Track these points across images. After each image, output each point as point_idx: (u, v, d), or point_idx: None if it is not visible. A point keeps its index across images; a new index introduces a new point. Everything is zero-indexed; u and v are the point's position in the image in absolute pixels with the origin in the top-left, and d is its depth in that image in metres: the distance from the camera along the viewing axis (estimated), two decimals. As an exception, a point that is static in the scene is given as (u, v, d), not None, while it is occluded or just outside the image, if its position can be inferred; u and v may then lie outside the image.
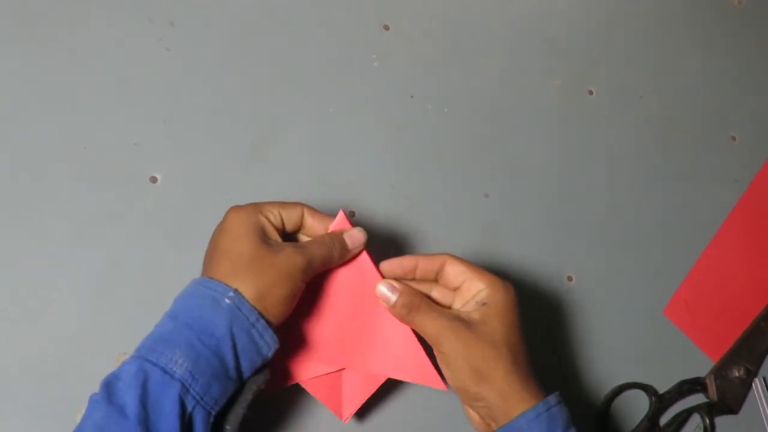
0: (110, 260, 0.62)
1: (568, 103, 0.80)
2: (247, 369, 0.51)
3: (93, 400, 0.47)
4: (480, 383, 0.54)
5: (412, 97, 0.74)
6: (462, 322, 0.55)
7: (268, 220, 0.54)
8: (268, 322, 0.51)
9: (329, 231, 0.56)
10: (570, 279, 0.75)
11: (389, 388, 0.65)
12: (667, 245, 0.79)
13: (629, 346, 0.75)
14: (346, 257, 0.57)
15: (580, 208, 0.77)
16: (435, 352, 0.56)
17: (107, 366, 0.59)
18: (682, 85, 0.85)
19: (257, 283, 0.51)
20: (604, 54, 0.83)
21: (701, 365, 0.77)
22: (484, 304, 0.56)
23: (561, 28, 0.82)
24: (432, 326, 0.55)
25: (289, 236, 0.57)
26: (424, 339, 0.56)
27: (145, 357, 0.48)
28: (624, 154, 0.80)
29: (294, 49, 0.72)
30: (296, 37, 0.72)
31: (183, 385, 0.47)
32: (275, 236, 0.54)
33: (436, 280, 0.59)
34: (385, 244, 0.70)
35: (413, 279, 0.59)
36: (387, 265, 0.58)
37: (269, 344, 0.51)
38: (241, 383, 0.51)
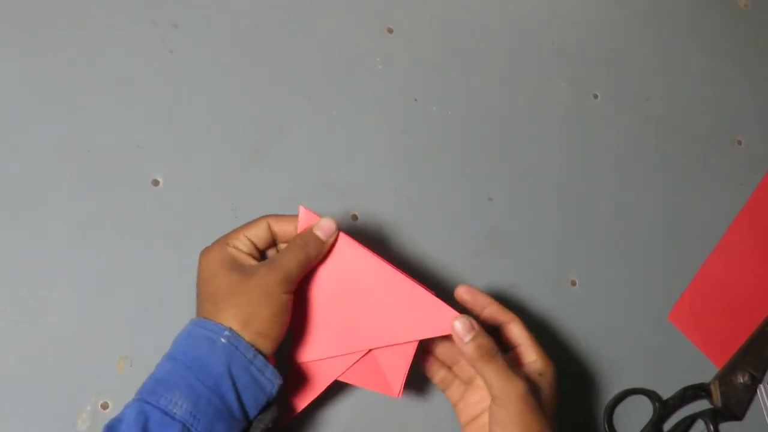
0: (111, 261, 0.62)
1: (573, 106, 0.79)
2: (251, 408, 0.51)
3: None
4: None
5: (415, 100, 0.74)
6: (531, 386, 0.56)
7: (237, 248, 0.55)
8: (263, 352, 0.51)
9: (298, 231, 0.56)
10: (574, 283, 0.74)
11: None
12: (671, 249, 0.79)
13: (633, 351, 0.75)
14: (325, 250, 0.56)
15: (585, 211, 0.77)
16: (492, 408, 0.55)
17: (107, 367, 0.60)
18: (688, 88, 0.85)
19: (238, 312, 0.51)
20: (609, 56, 0.83)
21: (706, 371, 0.76)
22: (540, 374, 0.58)
23: (566, 31, 0.82)
24: (501, 382, 0.54)
25: (264, 254, 0.58)
26: (487, 389, 0.56)
27: (145, 399, 0.49)
28: (629, 157, 0.80)
29: (297, 52, 0.72)
30: (299, 39, 0.72)
31: (184, 425, 0.47)
32: (249, 261, 0.54)
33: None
34: (387, 248, 0.69)
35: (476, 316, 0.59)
36: (463, 289, 0.59)
37: (271, 380, 0.51)
38: (248, 423, 0.51)
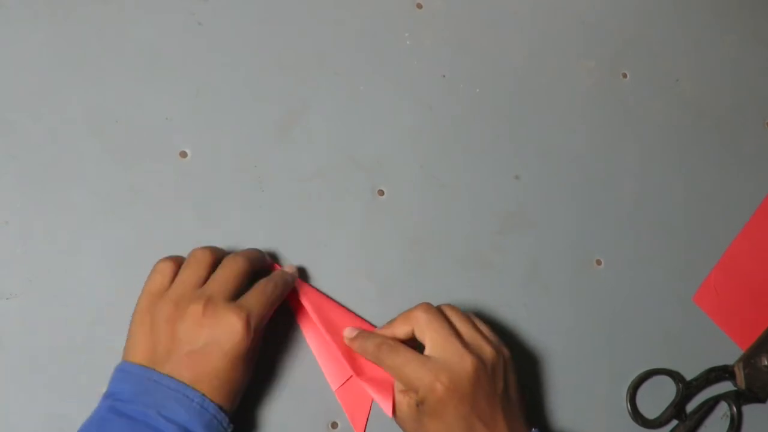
0: (137, 232, 0.62)
1: (601, 85, 0.79)
2: None
3: None
4: None
5: (443, 76, 0.74)
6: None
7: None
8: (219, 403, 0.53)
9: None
10: (599, 263, 0.74)
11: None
12: (697, 231, 0.78)
13: (657, 331, 0.74)
14: (289, 287, 0.60)
15: (611, 191, 0.76)
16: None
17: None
18: (718, 69, 0.84)
19: (191, 362, 0.53)
20: (639, 35, 0.82)
21: (730, 353, 0.76)
22: (419, 404, 0.56)
23: (596, 9, 0.81)
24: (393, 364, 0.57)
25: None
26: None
27: None
28: (656, 137, 0.79)
29: (325, 27, 0.71)
30: (328, 14, 0.72)
31: None
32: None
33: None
34: (413, 225, 0.69)
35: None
36: (349, 336, 0.61)
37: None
38: None
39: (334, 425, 0.63)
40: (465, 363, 0.55)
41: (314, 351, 0.61)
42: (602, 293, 0.74)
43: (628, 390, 0.72)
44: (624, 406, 0.72)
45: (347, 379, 0.58)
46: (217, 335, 0.52)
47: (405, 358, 0.56)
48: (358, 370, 0.59)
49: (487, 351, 0.57)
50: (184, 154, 0.65)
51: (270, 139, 0.67)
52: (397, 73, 0.72)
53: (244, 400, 0.58)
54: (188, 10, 0.68)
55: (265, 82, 0.68)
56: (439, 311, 0.59)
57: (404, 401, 0.57)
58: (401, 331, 0.58)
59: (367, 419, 0.59)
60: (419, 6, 0.74)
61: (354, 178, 0.69)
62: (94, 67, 0.64)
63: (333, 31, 0.71)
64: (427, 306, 0.58)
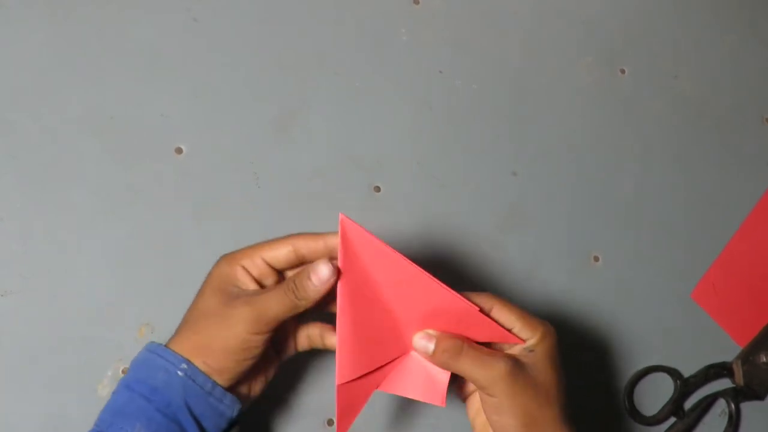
0: (134, 229, 0.63)
1: (600, 81, 0.79)
2: (213, 431, 0.51)
3: None
4: (530, 427, 0.51)
5: (440, 72, 0.74)
6: (514, 364, 0.51)
7: (245, 269, 0.52)
8: (213, 378, 0.50)
9: (339, 247, 0.50)
10: (597, 259, 0.74)
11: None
12: (696, 227, 0.78)
13: (655, 328, 0.74)
14: (316, 297, 0.50)
15: (609, 187, 0.76)
16: (482, 397, 0.52)
17: (129, 333, 0.61)
18: (717, 66, 0.83)
19: (194, 339, 0.50)
20: (637, 32, 0.81)
21: (728, 350, 0.76)
22: (531, 351, 0.53)
23: (594, 5, 0.81)
24: (480, 371, 0.51)
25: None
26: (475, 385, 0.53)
27: None
28: (654, 134, 0.79)
29: (322, 23, 0.71)
30: (325, 10, 0.72)
31: None
32: (247, 285, 0.52)
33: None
34: (411, 223, 0.70)
35: None
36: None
37: (231, 407, 0.51)
38: None
39: (330, 422, 0.64)
40: (549, 328, 0.54)
41: (341, 336, 0.51)
42: (600, 290, 0.74)
43: (625, 387, 0.72)
44: (621, 403, 0.72)
45: (358, 378, 0.55)
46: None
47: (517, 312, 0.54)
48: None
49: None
50: (179, 151, 0.65)
51: (266, 135, 0.68)
52: (394, 69, 0.73)
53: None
54: (184, 5, 0.68)
55: (261, 78, 0.69)
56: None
57: (515, 351, 0.53)
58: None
59: (351, 424, 0.56)
60: (416, 2, 0.74)
61: (352, 175, 0.69)
62: (94, 67, 0.65)
63: (330, 29, 0.72)
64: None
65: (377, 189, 0.69)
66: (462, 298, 0.51)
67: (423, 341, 0.52)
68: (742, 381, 0.74)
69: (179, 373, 0.49)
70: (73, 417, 0.58)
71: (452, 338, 0.52)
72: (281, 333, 0.55)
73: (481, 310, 0.52)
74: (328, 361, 0.65)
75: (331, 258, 0.50)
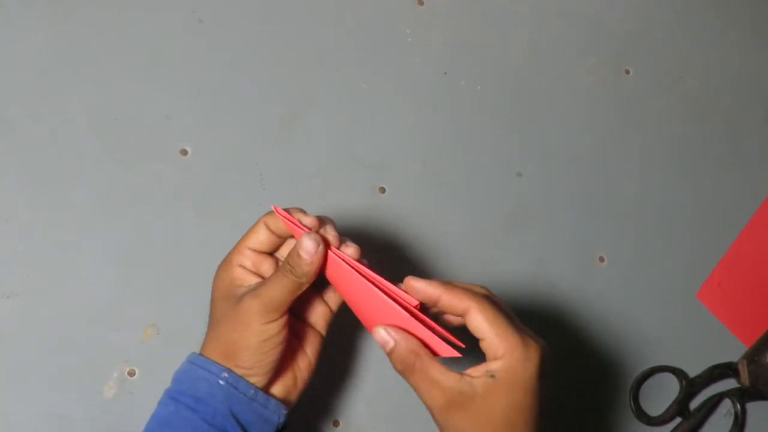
0: (139, 230, 0.62)
1: (604, 81, 0.78)
2: None
3: None
4: None
5: (445, 73, 0.73)
6: (458, 394, 0.46)
7: (242, 266, 0.52)
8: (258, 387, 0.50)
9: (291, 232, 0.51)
10: (602, 260, 0.74)
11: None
12: (701, 227, 0.78)
13: (661, 328, 0.74)
14: (312, 270, 0.49)
15: (614, 188, 0.76)
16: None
17: (134, 335, 0.60)
18: (721, 66, 0.83)
19: (220, 345, 0.50)
20: (642, 32, 0.81)
21: (734, 350, 0.75)
22: (492, 376, 0.46)
23: (598, 5, 0.80)
24: (423, 394, 0.47)
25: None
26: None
27: None
28: (659, 133, 0.79)
29: (326, 24, 0.71)
30: (329, 11, 0.71)
31: None
32: (249, 281, 0.51)
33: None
34: (415, 223, 0.69)
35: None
36: (413, 282, 0.49)
37: (276, 411, 0.51)
38: None
39: (336, 423, 0.63)
40: (533, 351, 0.47)
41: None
42: (605, 290, 0.73)
43: (630, 387, 0.72)
44: (627, 403, 0.72)
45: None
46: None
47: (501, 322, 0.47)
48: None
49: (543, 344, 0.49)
50: (184, 152, 0.65)
51: (271, 136, 0.67)
52: (399, 70, 0.72)
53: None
54: (189, 7, 0.67)
55: (265, 79, 0.68)
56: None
57: (477, 371, 0.47)
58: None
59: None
60: (421, 3, 0.74)
61: (355, 176, 0.69)
62: (94, 67, 0.64)
63: (335, 30, 0.71)
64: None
65: (382, 190, 0.69)
66: (392, 297, 0.48)
67: (384, 336, 0.48)
68: (747, 381, 0.74)
69: (221, 382, 0.49)
70: (77, 419, 0.57)
71: (410, 350, 0.48)
72: (302, 332, 0.54)
73: (421, 307, 0.48)
74: (335, 363, 0.64)
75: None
